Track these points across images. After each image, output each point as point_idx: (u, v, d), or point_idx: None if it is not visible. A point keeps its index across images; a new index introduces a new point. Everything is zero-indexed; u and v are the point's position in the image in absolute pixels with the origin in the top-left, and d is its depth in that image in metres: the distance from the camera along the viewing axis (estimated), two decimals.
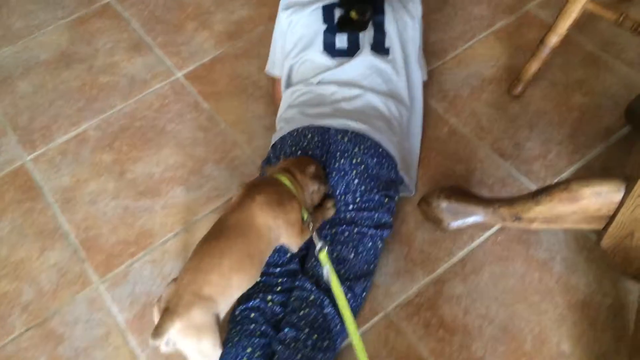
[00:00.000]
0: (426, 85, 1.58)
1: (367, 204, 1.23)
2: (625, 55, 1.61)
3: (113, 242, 1.38)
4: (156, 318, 1.01)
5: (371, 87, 1.35)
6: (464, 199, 1.29)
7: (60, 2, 1.94)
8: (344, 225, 1.22)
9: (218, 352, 1.02)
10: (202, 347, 1.00)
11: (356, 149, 1.24)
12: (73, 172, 1.51)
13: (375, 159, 1.25)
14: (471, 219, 1.29)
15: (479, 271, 1.28)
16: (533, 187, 1.39)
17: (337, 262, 1.19)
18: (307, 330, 1.11)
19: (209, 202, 1.43)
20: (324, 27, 1.40)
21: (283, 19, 1.46)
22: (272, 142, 1.35)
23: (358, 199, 1.23)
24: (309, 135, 1.27)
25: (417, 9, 1.47)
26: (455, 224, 1.30)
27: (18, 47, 1.82)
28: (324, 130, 1.27)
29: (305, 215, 1.15)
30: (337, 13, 1.40)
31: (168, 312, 0.97)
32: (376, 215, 1.24)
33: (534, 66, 1.47)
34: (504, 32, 1.71)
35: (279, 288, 1.19)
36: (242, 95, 1.63)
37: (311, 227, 1.15)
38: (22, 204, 1.46)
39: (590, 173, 1.41)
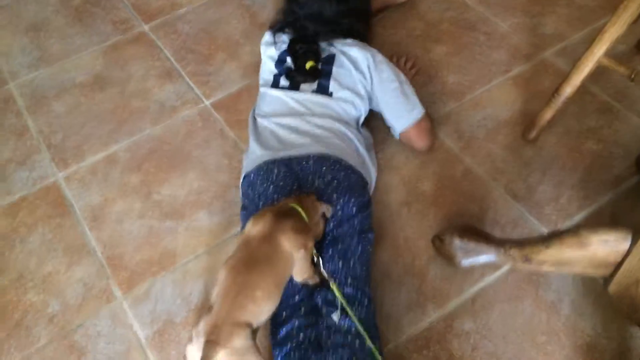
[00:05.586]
0: (443, 125, 1.65)
1: (346, 216, 1.30)
2: (638, 106, 1.66)
3: (137, 261, 1.43)
4: (190, 347, 1.08)
5: (313, 112, 1.46)
6: (476, 238, 1.34)
7: (97, 28, 2.03)
8: (329, 244, 1.28)
9: None
10: None
11: (324, 168, 1.34)
12: (102, 191, 1.57)
13: (342, 173, 1.34)
14: (482, 258, 1.32)
15: (488, 309, 1.32)
16: (544, 229, 1.43)
17: (333, 272, 1.23)
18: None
19: (231, 226, 1.48)
20: (275, 70, 1.56)
21: (262, 53, 1.66)
22: (240, 184, 1.42)
23: (340, 212, 1.30)
24: (275, 170, 1.35)
25: (368, 69, 1.54)
26: (467, 261, 1.34)
27: (54, 68, 1.91)
28: (287, 161, 1.36)
29: (314, 252, 1.21)
30: (288, 59, 1.55)
31: (211, 344, 1.03)
32: (356, 221, 1.30)
33: (548, 113, 1.52)
34: (520, 78, 1.77)
35: (302, 310, 1.22)
36: None
37: (318, 262, 1.20)
38: (53, 219, 1.52)
39: (600, 219, 1.44)
